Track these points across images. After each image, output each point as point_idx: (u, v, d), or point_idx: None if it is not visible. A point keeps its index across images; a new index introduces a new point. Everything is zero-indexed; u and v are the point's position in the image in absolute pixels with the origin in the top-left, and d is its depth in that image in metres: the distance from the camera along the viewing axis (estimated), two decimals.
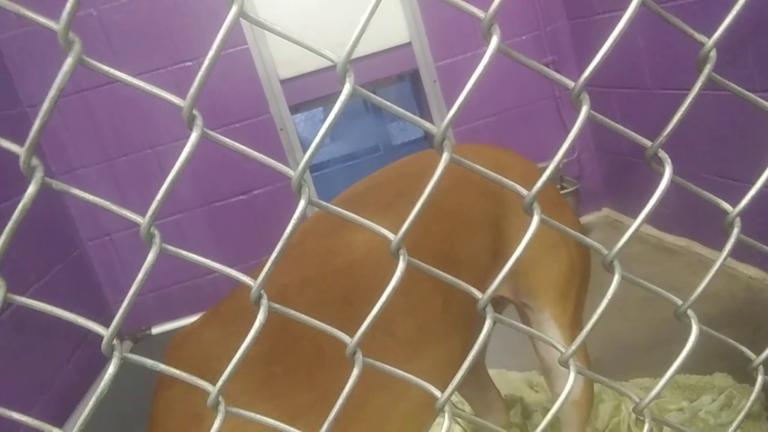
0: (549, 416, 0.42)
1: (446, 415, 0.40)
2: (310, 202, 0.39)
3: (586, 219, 3.28)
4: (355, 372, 0.39)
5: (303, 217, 0.41)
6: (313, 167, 3.78)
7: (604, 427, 1.64)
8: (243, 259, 2.99)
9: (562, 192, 3.03)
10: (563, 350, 0.42)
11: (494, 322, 0.41)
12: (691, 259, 2.55)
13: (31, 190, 0.36)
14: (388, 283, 0.40)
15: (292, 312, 0.39)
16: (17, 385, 2.07)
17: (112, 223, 2.90)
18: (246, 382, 0.84)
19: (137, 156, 2.87)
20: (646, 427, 0.44)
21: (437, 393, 0.41)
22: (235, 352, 0.37)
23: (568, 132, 0.44)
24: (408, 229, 0.39)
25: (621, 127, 0.43)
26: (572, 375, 0.42)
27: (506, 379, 1.95)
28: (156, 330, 2.82)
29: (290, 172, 0.39)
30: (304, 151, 3.28)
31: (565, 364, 0.42)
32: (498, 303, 1.24)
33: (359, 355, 0.39)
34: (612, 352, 1.95)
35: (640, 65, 2.55)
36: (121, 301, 0.39)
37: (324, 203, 0.41)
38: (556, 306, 1.16)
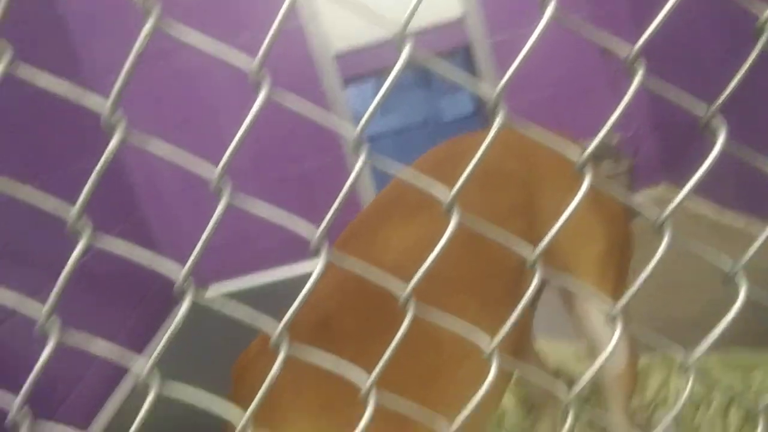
0: (589, 374, 0.43)
1: (494, 364, 0.43)
2: (368, 159, 0.41)
3: (642, 194, 3.23)
4: (408, 319, 0.41)
5: (359, 175, 0.43)
6: None
7: (651, 399, 1.64)
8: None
9: (616, 167, 2.98)
10: (610, 308, 0.44)
11: (542, 280, 0.43)
12: (750, 238, 2.49)
13: (114, 142, 0.39)
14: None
15: (350, 259, 0.41)
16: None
17: (170, 186, 3.01)
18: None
19: (195, 122, 2.95)
20: (689, 384, 0.45)
21: (485, 343, 0.43)
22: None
23: (627, 105, 0.45)
24: (461, 188, 0.41)
25: (676, 95, 0.43)
26: (618, 331, 0.43)
27: (555, 349, 1.95)
28: (211, 292, 2.91)
29: (349, 130, 0.41)
30: (355, 124, 3.31)
31: (612, 320, 0.44)
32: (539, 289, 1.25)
33: (411, 304, 0.42)
34: (663, 325, 1.93)
35: (704, 35, 2.47)
36: (179, 262, 0.42)
37: (382, 160, 0.43)
38: (596, 283, 1.15)
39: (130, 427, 0.44)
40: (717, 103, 0.42)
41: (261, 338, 0.96)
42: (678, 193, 0.42)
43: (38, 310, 0.40)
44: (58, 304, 0.39)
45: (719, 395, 1.60)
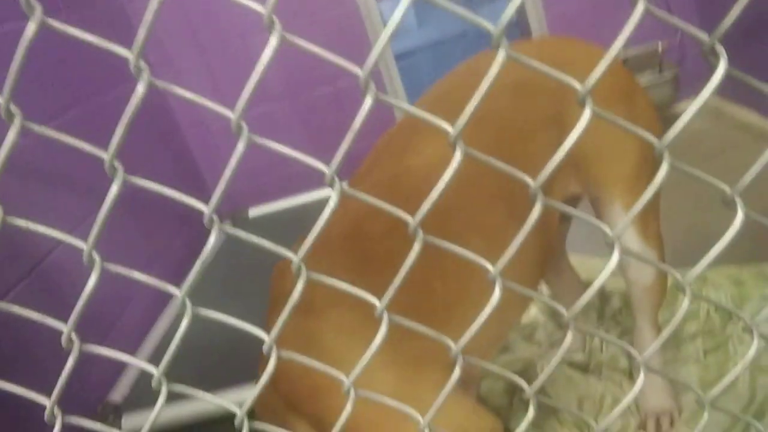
0: (587, 295, 0.46)
1: (497, 286, 0.46)
2: (377, 100, 0.43)
3: (686, 105, 3.13)
4: (416, 247, 0.44)
5: (372, 111, 0.46)
6: (399, 56, 3.73)
7: (682, 312, 1.67)
8: (332, 147, 3.09)
9: (660, 77, 2.88)
10: (611, 233, 0.46)
11: (543, 206, 0.45)
12: None
13: (141, 90, 0.42)
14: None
15: (361, 194, 0.45)
16: (130, 261, 2.30)
17: (208, 112, 3.06)
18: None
19: (228, 47, 2.96)
20: (686, 302, 0.48)
21: (489, 266, 0.46)
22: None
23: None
24: (466, 122, 0.43)
25: (676, 20, 0.44)
26: (615, 254, 0.46)
27: (587, 266, 1.98)
28: (252, 213, 3.01)
29: (357, 71, 0.43)
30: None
31: (610, 245, 0.46)
32: (572, 200, 1.25)
33: (420, 234, 0.45)
34: (699, 240, 1.94)
35: None
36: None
37: (392, 99, 0.45)
38: (626, 197, 1.16)
39: (179, 350, 0.49)
40: (717, 33, 0.42)
41: (301, 240, 1.05)
42: (722, 104, 0.43)
43: (84, 243, 0.44)
44: (99, 237, 0.44)
45: (749, 308, 1.62)
